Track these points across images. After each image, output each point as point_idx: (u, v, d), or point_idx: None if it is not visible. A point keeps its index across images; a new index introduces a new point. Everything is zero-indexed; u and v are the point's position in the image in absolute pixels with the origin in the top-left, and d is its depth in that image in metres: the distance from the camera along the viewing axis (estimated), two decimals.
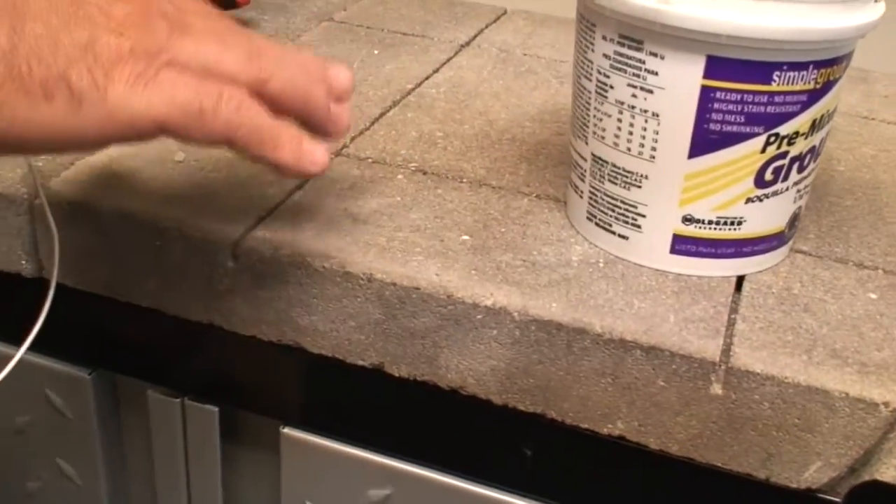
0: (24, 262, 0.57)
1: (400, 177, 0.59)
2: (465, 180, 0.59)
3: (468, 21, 0.87)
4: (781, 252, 0.53)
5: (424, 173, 0.60)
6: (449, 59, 0.78)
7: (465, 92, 0.72)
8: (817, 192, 0.61)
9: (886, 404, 0.44)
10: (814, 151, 0.50)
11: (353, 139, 0.64)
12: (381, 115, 0.67)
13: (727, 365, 0.45)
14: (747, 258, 0.51)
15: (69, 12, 0.38)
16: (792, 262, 0.53)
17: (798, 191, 0.51)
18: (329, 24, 0.85)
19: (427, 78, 0.74)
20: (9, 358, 0.49)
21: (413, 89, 0.72)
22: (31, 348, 0.51)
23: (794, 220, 0.52)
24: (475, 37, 0.84)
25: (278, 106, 0.42)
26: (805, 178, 0.51)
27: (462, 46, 0.81)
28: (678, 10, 0.45)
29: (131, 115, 0.38)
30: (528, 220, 0.55)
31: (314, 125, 0.45)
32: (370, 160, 0.61)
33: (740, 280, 0.51)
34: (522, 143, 0.65)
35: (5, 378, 0.54)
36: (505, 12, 0.91)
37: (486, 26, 0.87)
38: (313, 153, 0.43)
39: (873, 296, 0.51)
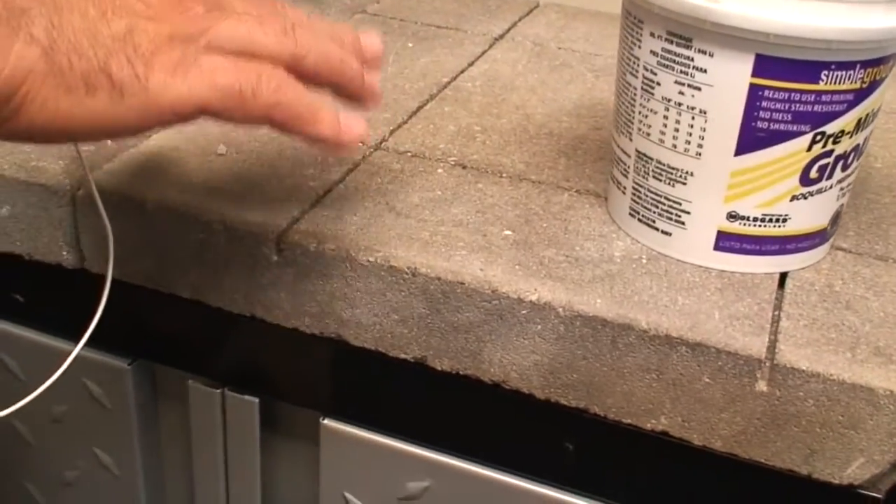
0: (65, 252, 0.57)
1: (440, 171, 0.60)
2: (504, 175, 0.60)
3: (501, 14, 0.87)
4: (823, 249, 0.53)
5: (464, 167, 0.60)
6: (483, 53, 0.79)
7: (501, 85, 0.72)
8: (855, 189, 0.61)
9: None
10: (857, 150, 0.50)
11: (392, 132, 0.64)
12: (419, 108, 0.68)
13: (772, 362, 0.45)
14: (791, 255, 0.51)
15: (106, 1, 0.38)
16: (833, 260, 0.53)
17: (841, 189, 0.51)
18: (362, 17, 0.85)
19: (462, 71, 0.75)
20: (54, 349, 0.49)
21: (449, 83, 0.72)
22: (69, 337, 0.52)
23: (836, 217, 0.52)
24: (509, 30, 0.84)
25: (315, 79, 0.43)
26: (848, 176, 0.51)
27: (496, 39, 0.82)
28: (728, 8, 0.45)
29: (172, 102, 0.38)
30: (570, 215, 0.56)
31: (350, 95, 0.45)
32: (409, 154, 0.61)
33: (783, 277, 0.52)
34: (560, 138, 0.65)
35: (42, 366, 0.55)
36: (538, 5, 0.91)
37: (520, 19, 0.87)
38: (350, 126, 0.44)
39: None
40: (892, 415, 0.44)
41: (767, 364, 0.45)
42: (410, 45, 0.79)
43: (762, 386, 0.46)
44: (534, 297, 0.48)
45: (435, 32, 0.82)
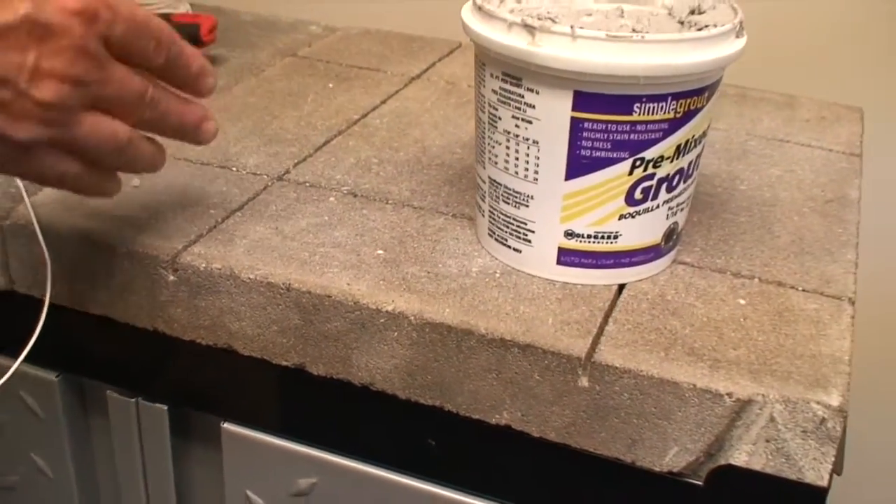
0: None
1: (332, 199, 0.66)
2: (390, 202, 0.66)
3: (422, 55, 0.94)
4: (661, 263, 0.59)
5: (355, 196, 0.67)
6: (397, 91, 0.85)
7: (407, 121, 0.79)
8: (714, 210, 0.68)
9: (730, 395, 0.50)
10: (682, 173, 0.56)
11: (295, 165, 0.71)
12: (325, 143, 0.74)
13: (591, 360, 0.51)
14: (626, 268, 0.58)
15: None
16: (672, 273, 0.60)
17: (670, 208, 0.57)
18: (292, 60, 0.92)
19: (374, 109, 0.81)
20: None
21: (359, 119, 0.79)
22: (4, 353, 0.59)
23: (670, 234, 0.58)
24: (426, 70, 0.90)
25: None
26: (676, 196, 0.57)
27: (412, 79, 0.88)
28: (546, 51, 0.51)
29: None
30: (441, 236, 0.62)
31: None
32: (307, 184, 0.68)
33: (621, 288, 0.58)
34: (449, 168, 0.71)
35: None
36: (459, 45, 0.97)
37: (439, 59, 0.94)
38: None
39: (742, 301, 0.57)
40: (698, 407, 0.50)
41: (587, 362, 0.51)
42: (331, 85, 0.86)
43: (584, 381, 0.52)
44: (390, 308, 0.55)
45: (357, 73, 0.89)
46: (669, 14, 0.61)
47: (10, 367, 0.60)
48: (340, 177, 0.69)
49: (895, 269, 1.05)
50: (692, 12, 0.59)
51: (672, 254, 0.60)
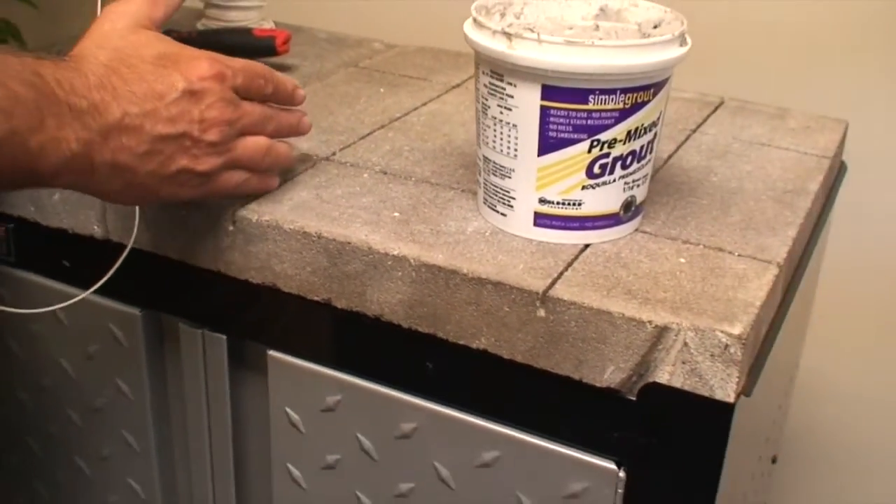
0: (95, 227, 0.81)
1: (365, 175, 0.82)
2: (413, 179, 0.81)
3: (466, 68, 1.10)
4: (621, 229, 0.73)
5: (385, 174, 0.82)
6: (438, 96, 1.01)
7: (440, 120, 0.94)
8: (682, 194, 0.81)
9: (651, 322, 0.63)
10: (635, 154, 0.70)
11: (341, 149, 0.86)
12: (368, 134, 0.90)
13: (546, 295, 0.65)
14: (590, 231, 0.71)
15: None
16: (631, 238, 0.73)
17: (626, 183, 0.71)
18: (354, 70, 1.08)
19: (414, 109, 0.97)
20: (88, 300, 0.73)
21: (400, 117, 0.95)
22: (100, 293, 0.76)
23: (628, 205, 0.72)
24: (466, 80, 1.06)
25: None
26: (631, 174, 0.71)
27: (453, 87, 1.04)
28: (519, 52, 0.66)
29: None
30: (448, 205, 0.77)
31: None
32: (348, 164, 0.84)
33: (586, 247, 0.72)
34: (467, 157, 0.86)
35: (82, 315, 0.78)
36: None
37: None
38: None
39: (682, 260, 0.70)
40: (626, 332, 0.64)
41: (544, 296, 0.65)
42: (382, 90, 1.02)
43: (541, 312, 0.66)
44: (396, 252, 0.70)
45: (406, 81, 1.05)
46: (638, 29, 0.75)
47: (101, 304, 0.77)
48: (376, 159, 0.85)
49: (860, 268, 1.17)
50: (655, 27, 0.73)
51: (633, 223, 0.74)
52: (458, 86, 1.04)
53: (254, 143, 0.70)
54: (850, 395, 1.30)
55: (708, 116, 0.98)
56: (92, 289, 0.76)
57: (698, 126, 0.95)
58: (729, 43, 1.18)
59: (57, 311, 0.87)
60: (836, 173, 0.98)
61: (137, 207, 0.76)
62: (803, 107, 1.02)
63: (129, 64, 0.64)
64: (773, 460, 1.11)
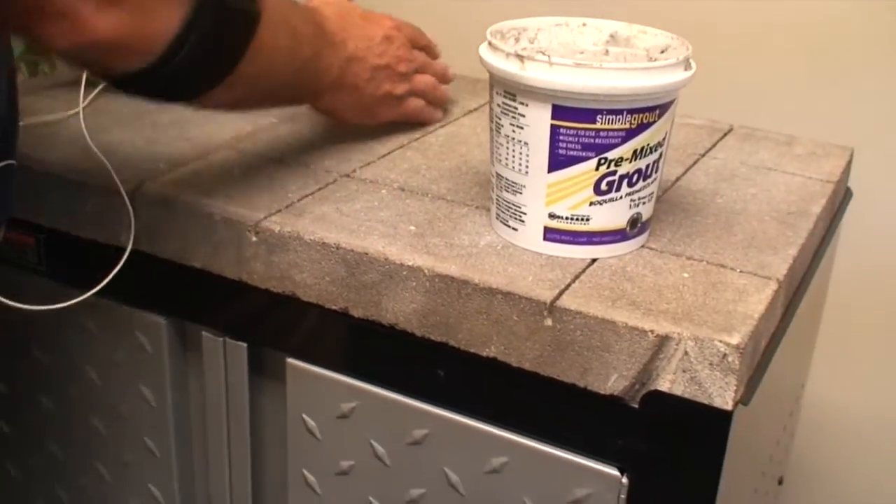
0: (123, 237, 0.85)
1: (384, 191, 0.85)
2: (429, 195, 0.85)
3: (483, 93, 1.13)
4: (627, 245, 0.76)
5: (402, 190, 0.85)
6: (456, 119, 1.04)
7: (457, 141, 0.98)
8: (688, 214, 0.84)
9: (652, 331, 0.66)
10: (641, 172, 0.73)
11: (361, 167, 0.90)
12: (388, 153, 0.94)
13: (553, 305, 0.68)
14: (598, 246, 0.74)
15: None
16: (638, 254, 0.76)
17: (632, 200, 0.74)
18: None
19: (433, 131, 1.00)
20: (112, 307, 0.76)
21: (419, 138, 0.98)
22: (127, 301, 0.79)
23: (634, 222, 0.75)
24: (482, 104, 1.09)
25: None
26: (637, 191, 0.74)
27: (470, 111, 1.07)
28: (530, 74, 0.69)
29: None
30: (462, 220, 0.80)
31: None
32: (367, 181, 0.87)
33: (594, 261, 0.75)
34: (482, 175, 0.89)
35: (110, 323, 0.81)
36: None
37: None
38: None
39: (686, 275, 0.73)
40: (629, 341, 0.67)
41: (551, 306, 0.68)
42: None
43: (548, 321, 0.69)
44: (411, 263, 0.73)
45: None
46: (646, 54, 0.78)
47: (128, 312, 0.81)
48: (394, 176, 0.88)
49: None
50: (662, 52, 0.77)
51: (639, 239, 0.77)
52: (474, 110, 1.07)
53: (427, 78, 0.97)
54: (856, 419, 1.31)
55: (717, 142, 1.01)
56: (91, 291, 0.79)
57: (707, 151, 0.98)
58: (743, 71, 1.22)
59: (84, 319, 0.90)
60: (842, 198, 1.01)
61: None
62: (815, 135, 1.05)
63: (346, 17, 0.89)
64: (780, 482, 1.13)
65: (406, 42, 0.94)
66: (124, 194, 0.81)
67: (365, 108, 0.92)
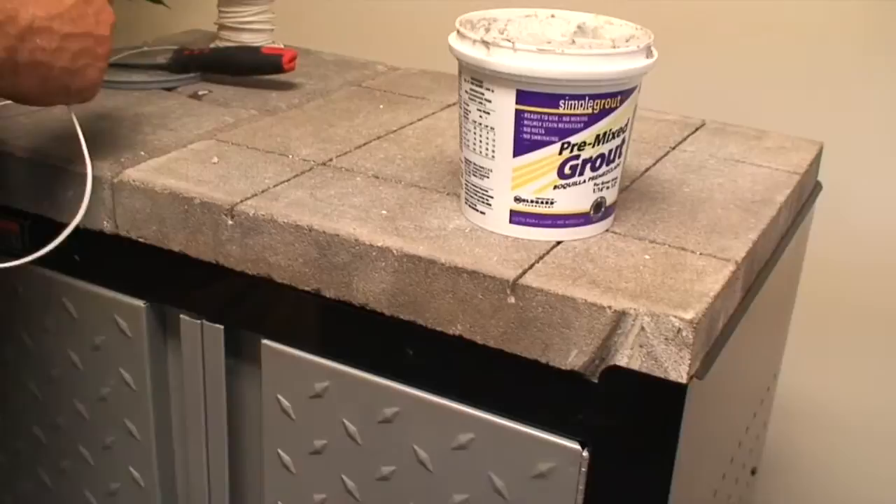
0: (105, 223, 0.87)
1: (358, 178, 0.87)
2: (403, 183, 0.87)
3: None
4: (592, 229, 0.78)
5: (377, 178, 0.88)
6: (434, 113, 1.07)
7: (434, 133, 1.00)
8: (654, 201, 0.86)
9: (610, 307, 0.68)
10: (604, 157, 0.75)
11: (338, 156, 0.92)
12: (364, 143, 0.96)
13: (516, 283, 0.71)
14: (562, 229, 0.77)
15: None
16: (602, 237, 0.78)
17: (596, 184, 0.76)
18: (356, 88, 1.14)
19: (410, 124, 1.03)
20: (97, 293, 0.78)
21: (396, 130, 1.00)
22: (106, 284, 0.81)
23: (598, 206, 0.77)
24: None
25: None
26: (600, 175, 0.76)
27: (449, 105, 1.10)
28: (495, 59, 0.72)
29: None
30: (434, 206, 0.82)
31: None
32: (343, 169, 0.89)
33: (559, 243, 0.77)
34: (456, 165, 0.92)
35: (91, 307, 0.84)
36: None
37: None
38: None
39: (647, 257, 0.76)
40: (588, 317, 0.69)
41: (514, 284, 0.71)
42: (381, 106, 1.08)
43: (511, 299, 0.71)
44: (380, 244, 0.75)
45: (405, 100, 1.11)
46: (612, 44, 0.80)
47: (109, 296, 0.83)
48: (370, 165, 0.90)
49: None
50: (627, 41, 0.79)
51: (603, 223, 0.79)
52: (453, 104, 1.10)
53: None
54: (832, 411, 1.33)
55: (688, 136, 1.04)
56: (30, 257, 0.81)
57: (677, 144, 1.01)
58: (719, 68, 1.24)
59: (66, 303, 0.93)
60: (811, 191, 1.03)
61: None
62: (794, 133, 1.08)
63: None
64: (753, 472, 1.15)
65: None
66: (105, 179, 0.84)
67: (58, 85, 0.77)
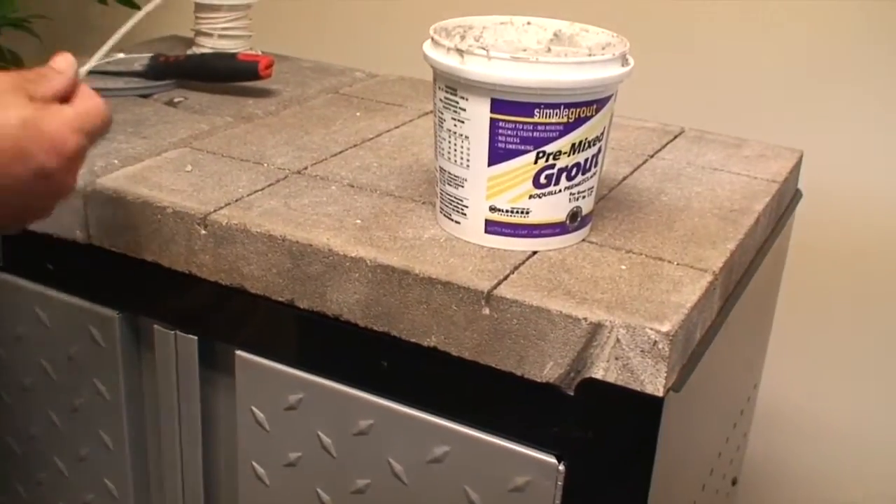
0: (78, 232, 0.86)
1: (333, 187, 0.86)
2: (377, 192, 0.86)
3: None
4: (567, 238, 0.77)
5: (352, 186, 0.87)
6: (411, 121, 1.06)
7: (410, 141, 0.99)
8: (631, 210, 0.86)
9: (586, 319, 0.68)
10: (580, 166, 0.75)
11: (313, 164, 0.91)
12: (340, 151, 0.95)
13: (490, 294, 0.70)
14: (537, 238, 0.76)
15: None
16: (578, 247, 0.78)
17: (572, 194, 0.75)
18: (334, 95, 1.14)
19: (387, 131, 1.02)
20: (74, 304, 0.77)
21: (372, 138, 1.00)
22: (79, 294, 0.80)
23: (574, 216, 0.76)
24: None
25: None
26: (576, 185, 0.75)
27: (426, 113, 1.09)
28: (469, 67, 0.71)
29: None
30: (409, 215, 0.82)
31: None
32: (318, 177, 0.88)
33: (534, 253, 0.76)
34: (432, 173, 0.91)
35: (63, 316, 0.83)
36: None
37: None
38: None
39: (623, 267, 0.75)
40: (563, 329, 0.68)
41: (489, 296, 0.70)
42: (358, 114, 1.07)
43: (486, 311, 0.70)
44: (353, 254, 0.74)
45: (382, 107, 1.10)
46: (588, 52, 0.80)
47: (81, 306, 0.82)
48: (345, 174, 0.89)
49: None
50: (603, 49, 0.79)
51: (579, 233, 0.78)
52: (431, 112, 1.09)
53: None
54: (813, 422, 1.33)
55: (667, 144, 1.03)
56: None
57: (656, 152, 1.00)
58: (697, 77, 1.24)
59: (39, 313, 0.91)
60: (790, 199, 1.02)
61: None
62: (778, 142, 1.07)
63: None
64: (734, 482, 1.14)
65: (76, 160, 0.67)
66: (79, 188, 0.82)
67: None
